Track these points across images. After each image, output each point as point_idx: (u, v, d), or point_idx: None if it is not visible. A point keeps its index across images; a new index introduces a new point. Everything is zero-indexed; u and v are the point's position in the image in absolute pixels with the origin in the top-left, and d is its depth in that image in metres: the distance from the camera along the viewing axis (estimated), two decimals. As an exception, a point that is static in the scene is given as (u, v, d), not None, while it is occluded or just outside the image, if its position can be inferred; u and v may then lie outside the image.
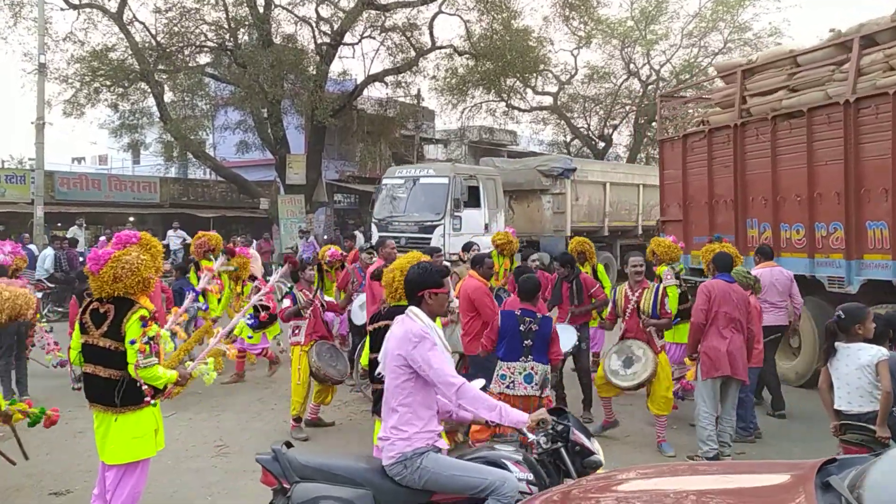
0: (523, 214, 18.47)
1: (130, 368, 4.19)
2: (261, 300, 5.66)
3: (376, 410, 4.73)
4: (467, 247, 9.76)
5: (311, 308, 7.18)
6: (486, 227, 16.05)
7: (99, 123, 26.67)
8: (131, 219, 23.40)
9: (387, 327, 4.62)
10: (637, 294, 6.84)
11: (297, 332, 7.13)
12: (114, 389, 4.24)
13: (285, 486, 3.52)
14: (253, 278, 9.32)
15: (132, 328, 4.20)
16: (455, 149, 31.91)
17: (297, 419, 7.05)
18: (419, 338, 3.42)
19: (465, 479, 3.39)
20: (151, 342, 4.23)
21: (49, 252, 14.57)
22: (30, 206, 19.70)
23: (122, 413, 4.27)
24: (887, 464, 0.57)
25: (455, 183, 15.82)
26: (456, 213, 15.75)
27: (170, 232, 21.13)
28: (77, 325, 4.44)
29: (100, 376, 4.28)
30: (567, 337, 7.16)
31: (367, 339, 6.80)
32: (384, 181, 17.72)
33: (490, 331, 5.91)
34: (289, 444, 3.69)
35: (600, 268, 9.71)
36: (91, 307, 4.37)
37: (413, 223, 16.18)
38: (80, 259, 14.97)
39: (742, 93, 9.74)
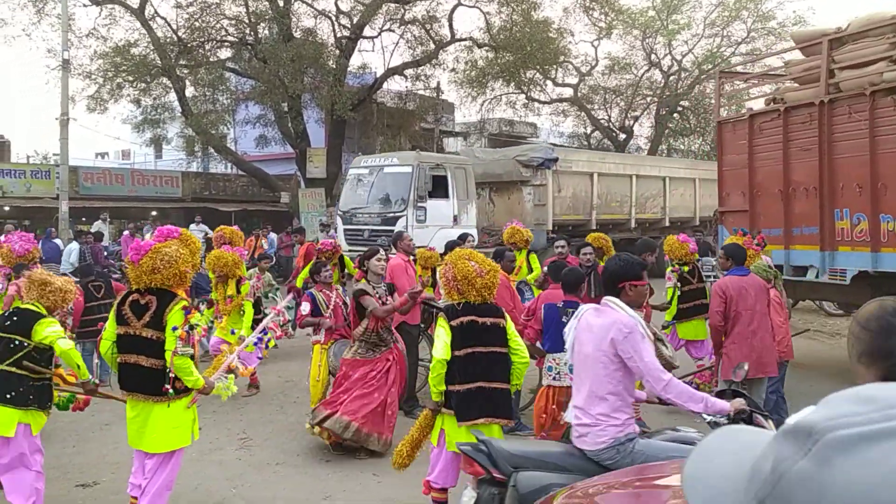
0: (504, 207, 17.51)
1: (168, 355, 4.30)
2: (269, 326, 5.76)
3: (466, 415, 4.57)
4: (463, 237, 9.69)
5: (331, 307, 7.18)
6: (455, 218, 15.34)
7: (122, 119, 26.97)
8: (154, 213, 23.61)
9: (472, 322, 4.62)
10: None
11: (317, 330, 7.14)
12: (156, 378, 4.36)
13: (496, 475, 3.54)
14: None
15: (175, 316, 4.34)
16: (475, 141, 31.81)
17: None
18: (630, 329, 3.48)
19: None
20: (191, 332, 4.32)
21: (74, 246, 14.73)
22: (55, 200, 19.94)
23: (165, 402, 4.40)
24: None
25: (419, 172, 14.96)
26: (420, 204, 14.87)
27: (192, 226, 21.28)
28: (112, 316, 4.54)
29: (142, 366, 4.39)
30: None
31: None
32: (350, 171, 16.92)
33: (534, 321, 5.91)
34: None
35: None
36: (131, 298, 4.48)
37: (376, 214, 15.40)
38: (105, 253, 15.14)
39: (829, 65, 8.55)
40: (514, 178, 17.16)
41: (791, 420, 0.63)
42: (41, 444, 4.84)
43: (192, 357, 4.42)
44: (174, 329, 4.29)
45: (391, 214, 15.07)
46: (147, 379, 4.39)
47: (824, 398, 0.64)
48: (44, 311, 4.75)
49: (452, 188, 15.50)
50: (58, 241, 16.36)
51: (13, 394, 4.56)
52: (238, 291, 8.58)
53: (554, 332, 5.67)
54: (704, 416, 3.60)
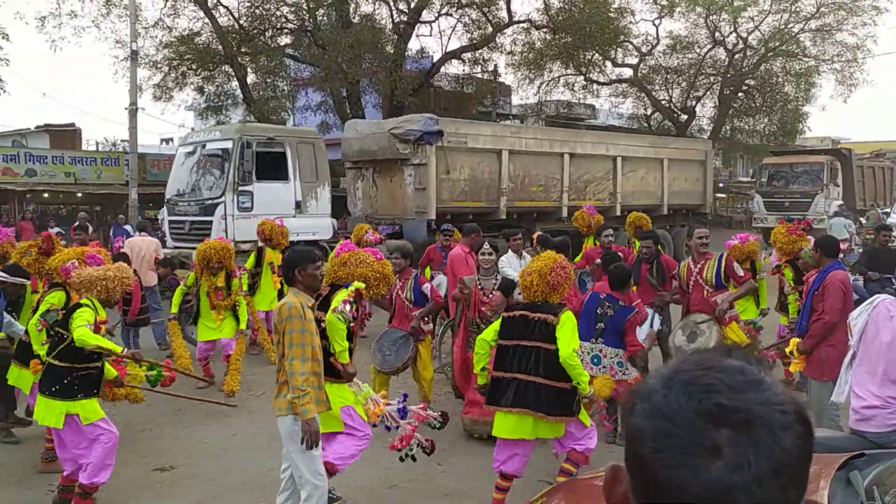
0: (386, 191, 14.63)
1: (329, 314, 4.63)
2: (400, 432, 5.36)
3: (492, 400, 4.79)
4: (543, 241, 9.23)
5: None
6: (299, 205, 13.09)
7: (185, 105, 27.64)
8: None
9: (522, 316, 4.76)
10: (699, 266, 6.88)
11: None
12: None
13: None
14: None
15: (339, 295, 4.80)
16: (532, 124, 31.56)
17: None
18: None
19: None
20: (351, 305, 4.70)
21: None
22: (124, 187, 20.63)
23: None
24: None
25: (241, 148, 12.36)
26: (244, 188, 12.34)
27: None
28: None
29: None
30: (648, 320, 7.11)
31: (458, 322, 6.84)
32: (178, 149, 14.57)
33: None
34: None
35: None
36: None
37: (195, 202, 12.88)
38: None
39: None
40: (393, 156, 14.08)
41: None
42: (113, 428, 4.99)
43: (350, 326, 4.71)
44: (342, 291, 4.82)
45: (209, 201, 12.60)
46: None
47: None
48: (90, 303, 4.89)
49: (294, 168, 13.12)
50: (128, 227, 16.89)
51: (57, 387, 4.72)
52: (228, 286, 8.03)
53: (585, 320, 5.80)
54: None
